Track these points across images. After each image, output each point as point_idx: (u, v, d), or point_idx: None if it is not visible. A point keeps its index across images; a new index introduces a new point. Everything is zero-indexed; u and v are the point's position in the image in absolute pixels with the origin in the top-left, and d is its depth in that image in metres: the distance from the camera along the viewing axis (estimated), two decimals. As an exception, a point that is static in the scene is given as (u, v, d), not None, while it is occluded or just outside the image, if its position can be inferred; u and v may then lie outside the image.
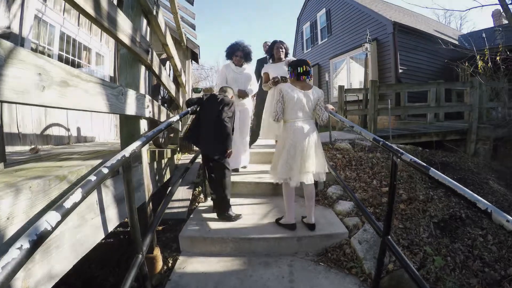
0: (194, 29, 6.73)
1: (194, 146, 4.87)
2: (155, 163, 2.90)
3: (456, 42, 11.91)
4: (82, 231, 1.37)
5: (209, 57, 65.18)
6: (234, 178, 3.77)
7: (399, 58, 9.76)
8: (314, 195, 2.89)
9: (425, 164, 1.47)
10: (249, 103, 4.15)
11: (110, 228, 1.62)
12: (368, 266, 2.42)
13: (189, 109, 2.95)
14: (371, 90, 5.97)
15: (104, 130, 5.46)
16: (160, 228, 3.16)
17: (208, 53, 52.23)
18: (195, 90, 7.27)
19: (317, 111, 2.83)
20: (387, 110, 5.88)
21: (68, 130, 4.46)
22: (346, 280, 2.31)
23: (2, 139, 1.53)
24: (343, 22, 12.74)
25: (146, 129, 2.36)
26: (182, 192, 3.56)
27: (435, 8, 15.34)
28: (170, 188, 2.72)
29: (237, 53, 3.93)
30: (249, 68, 4.17)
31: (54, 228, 0.87)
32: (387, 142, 1.78)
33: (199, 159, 3.65)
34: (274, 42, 4.07)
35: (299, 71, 2.77)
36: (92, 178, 1.04)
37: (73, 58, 4.77)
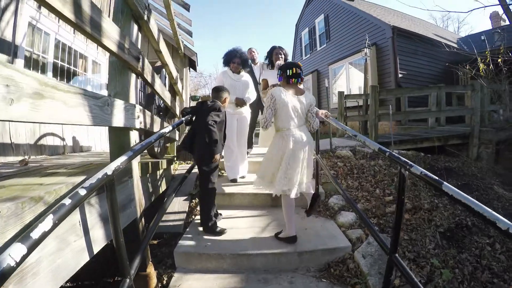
0: (191, 36, 6.66)
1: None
2: (148, 175, 2.78)
3: (455, 45, 11.86)
4: (62, 256, 1.25)
5: (209, 64, 65.43)
6: (232, 189, 3.67)
7: (398, 63, 9.70)
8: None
9: (437, 178, 1.35)
10: (247, 111, 4.04)
11: (96, 250, 1.50)
12: (373, 282, 2.28)
13: (183, 118, 2.85)
14: (371, 95, 5.88)
15: (101, 139, 5.36)
16: (155, 242, 3.04)
17: (207, 60, 52.42)
18: (193, 98, 7.19)
19: (308, 118, 2.72)
20: (388, 115, 5.79)
21: (63, 139, 4.36)
22: (350, 298, 2.19)
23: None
24: (342, 28, 12.71)
25: (137, 141, 2.25)
26: (178, 204, 3.44)
27: (437, 11, 15.35)
28: (165, 200, 2.61)
29: (235, 60, 3.82)
30: (247, 75, 4.07)
31: (19, 264, 0.75)
32: (394, 153, 1.67)
33: (196, 169, 3.54)
34: (273, 48, 3.99)
35: (288, 74, 2.65)
36: (67, 201, 0.92)
37: (68, 66, 4.69)
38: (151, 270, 2.32)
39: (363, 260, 2.52)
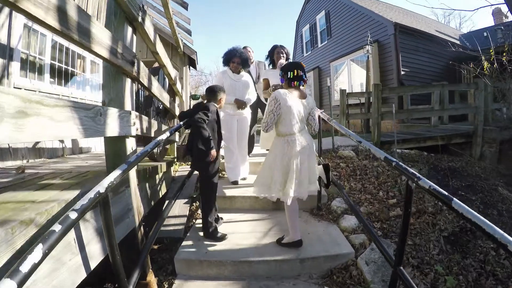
0: (190, 35, 6.59)
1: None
2: (147, 181, 2.72)
3: (458, 42, 11.74)
4: (58, 276, 1.21)
5: (209, 61, 65.22)
6: (233, 192, 3.62)
7: (401, 60, 9.59)
8: None
9: (446, 194, 1.29)
10: (247, 112, 3.97)
11: (93, 265, 1.45)
12: (377, 290, 2.24)
13: (181, 123, 2.78)
14: (374, 93, 5.80)
15: (101, 140, 5.30)
16: (155, 247, 3.00)
17: (207, 57, 52.11)
18: (193, 97, 7.11)
19: (309, 121, 2.65)
20: (391, 113, 5.71)
21: (62, 141, 4.31)
22: (353, 307, 2.15)
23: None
24: (343, 24, 12.58)
25: (134, 147, 2.18)
26: (179, 208, 3.39)
27: (442, 8, 15.10)
28: (164, 206, 2.55)
29: (234, 59, 3.73)
30: (247, 75, 3.99)
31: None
32: (401, 163, 1.61)
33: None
34: (274, 47, 3.90)
35: (289, 76, 2.53)
36: (57, 227, 0.87)
37: (66, 67, 4.63)
38: (151, 278, 2.28)
39: (366, 267, 2.47)
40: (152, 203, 2.91)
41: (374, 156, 4.81)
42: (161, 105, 4.09)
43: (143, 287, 2.18)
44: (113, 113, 1.80)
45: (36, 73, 3.90)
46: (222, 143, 3.17)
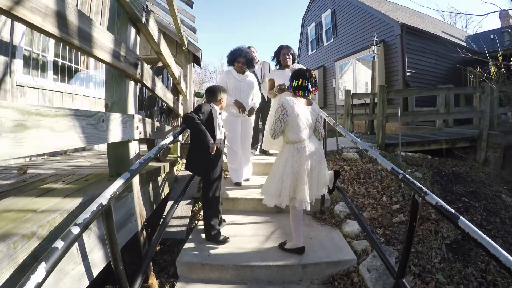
0: (195, 33, 6.54)
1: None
2: (150, 183, 2.71)
3: (464, 44, 11.62)
4: (61, 287, 1.19)
5: (214, 58, 65.02)
6: (235, 193, 3.60)
7: (406, 61, 9.50)
8: None
9: (453, 211, 1.27)
10: None
11: (96, 273, 1.44)
12: (378, 299, 2.23)
13: (184, 125, 2.75)
14: (379, 96, 5.76)
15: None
16: (157, 248, 2.99)
17: (212, 54, 51.91)
18: (197, 95, 7.08)
19: (317, 127, 2.61)
20: (395, 116, 5.67)
21: (65, 138, 4.30)
22: (354, 315, 2.14)
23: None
24: (349, 23, 12.48)
25: (138, 151, 2.16)
26: (181, 209, 3.38)
27: (452, 12, 14.89)
28: (166, 213, 2.54)
29: (239, 59, 3.67)
30: (252, 75, 3.95)
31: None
32: (408, 176, 1.58)
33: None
34: (281, 48, 3.85)
35: (294, 84, 2.51)
36: (59, 244, 0.86)
37: (69, 63, 4.61)
38: (153, 281, 2.28)
39: (368, 274, 2.46)
40: (155, 206, 2.89)
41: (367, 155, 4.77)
42: (165, 105, 4.06)
43: (145, 290, 2.18)
44: (115, 118, 1.78)
45: (39, 70, 3.88)
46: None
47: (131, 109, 2.09)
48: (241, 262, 2.50)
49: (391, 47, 10.00)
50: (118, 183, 1.26)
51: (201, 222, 3.16)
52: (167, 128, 3.66)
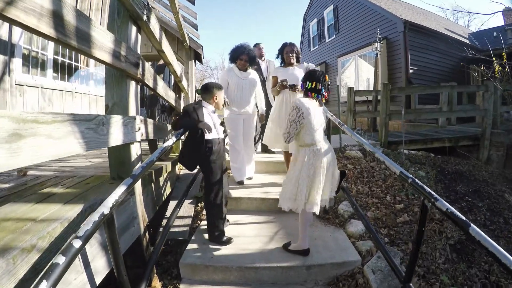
0: (197, 29, 6.48)
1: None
2: (152, 184, 2.67)
3: (467, 41, 11.52)
4: (64, 298, 1.16)
5: (215, 54, 64.75)
6: (239, 193, 3.57)
7: (409, 58, 9.43)
8: None
9: (464, 218, 1.24)
10: (253, 111, 3.89)
11: (98, 281, 1.40)
12: (383, 301, 2.21)
13: (181, 130, 2.71)
14: (382, 93, 5.71)
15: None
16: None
17: (213, 50, 51.69)
18: (199, 91, 7.01)
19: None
20: (399, 114, 5.63)
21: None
22: (359, 317, 2.12)
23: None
24: (351, 20, 12.38)
25: (139, 153, 2.12)
26: (184, 209, 3.34)
27: (459, 11, 14.69)
28: (169, 212, 2.50)
29: (242, 56, 3.61)
30: (254, 72, 3.89)
31: None
32: (417, 181, 1.55)
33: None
34: (284, 45, 3.78)
35: (307, 86, 2.46)
36: (60, 259, 0.82)
37: (69, 61, 4.57)
38: (156, 283, 2.26)
39: (372, 275, 2.44)
40: (157, 207, 2.86)
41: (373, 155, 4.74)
42: (167, 103, 4.02)
43: (148, 292, 2.15)
44: (116, 120, 1.73)
45: (39, 68, 3.84)
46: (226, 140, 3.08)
47: (132, 110, 2.05)
48: (245, 263, 2.47)
49: (394, 44, 9.92)
50: (120, 190, 1.21)
51: (204, 222, 3.13)
52: (169, 127, 3.62)
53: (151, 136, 2.57)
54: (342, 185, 2.90)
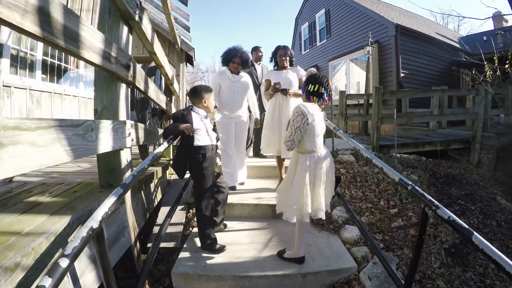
0: (189, 31, 6.41)
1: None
2: (142, 191, 2.58)
3: (457, 45, 11.72)
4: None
5: (206, 57, 64.58)
6: (231, 198, 3.49)
7: (401, 62, 9.51)
8: None
9: (466, 227, 1.21)
10: (245, 115, 3.83)
11: (88, 295, 1.33)
12: (380, 308, 2.18)
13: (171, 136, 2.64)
14: (374, 97, 5.72)
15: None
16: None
17: (204, 52, 51.44)
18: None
19: None
20: (390, 117, 5.65)
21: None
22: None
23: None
24: (343, 23, 12.45)
25: (130, 159, 2.05)
26: (175, 215, 3.24)
27: (453, 15, 14.98)
28: (160, 227, 2.42)
29: (235, 59, 3.54)
30: (246, 75, 3.82)
31: None
32: (417, 188, 1.52)
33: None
34: (278, 48, 3.74)
35: (309, 89, 2.36)
36: (47, 282, 0.76)
37: (59, 62, 4.45)
38: (147, 293, 2.18)
39: (369, 282, 2.41)
40: (147, 214, 2.77)
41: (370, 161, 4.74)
42: (158, 106, 3.94)
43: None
44: (106, 126, 1.65)
45: (27, 69, 3.72)
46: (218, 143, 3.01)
47: (122, 114, 1.96)
48: (239, 272, 2.41)
49: (385, 47, 10.01)
50: (109, 202, 1.14)
51: (196, 229, 3.05)
52: (160, 131, 3.53)
53: (141, 141, 2.48)
54: (338, 190, 2.86)
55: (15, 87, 3.39)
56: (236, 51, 3.55)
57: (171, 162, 4.54)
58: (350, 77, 11.90)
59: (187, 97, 7.33)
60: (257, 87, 4.58)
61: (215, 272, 2.40)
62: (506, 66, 5.13)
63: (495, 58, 5.09)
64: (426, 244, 2.97)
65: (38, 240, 1.11)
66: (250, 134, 4.42)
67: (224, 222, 3.17)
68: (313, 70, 3.62)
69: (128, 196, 1.93)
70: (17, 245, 1.07)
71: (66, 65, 4.68)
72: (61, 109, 4.48)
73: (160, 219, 3.16)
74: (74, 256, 0.88)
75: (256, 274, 2.41)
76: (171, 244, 2.87)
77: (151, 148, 4.09)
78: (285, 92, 3.38)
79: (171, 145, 4.58)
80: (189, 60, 7.44)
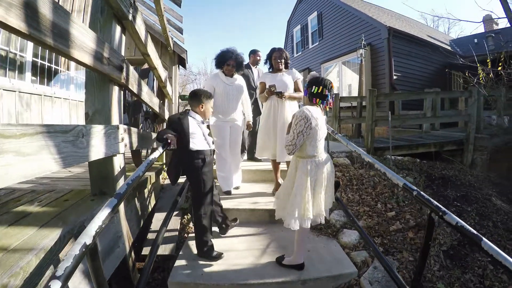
0: (182, 33, 6.32)
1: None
2: (136, 198, 2.49)
3: (449, 48, 11.87)
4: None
5: (197, 60, 64.43)
6: (226, 203, 3.42)
7: (393, 64, 9.59)
8: None
9: (475, 233, 1.17)
10: (240, 119, 3.76)
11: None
12: (382, 314, 2.13)
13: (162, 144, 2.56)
14: (368, 99, 5.72)
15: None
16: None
17: (196, 55, 51.27)
18: (182, 97, 6.85)
19: None
20: (384, 120, 5.66)
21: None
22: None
23: None
24: (335, 26, 12.51)
25: (123, 165, 1.96)
26: (170, 222, 3.18)
27: (449, 18, 15.15)
28: (156, 236, 2.34)
29: (229, 62, 3.47)
30: (241, 78, 3.75)
31: None
32: (423, 193, 1.48)
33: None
34: (273, 51, 3.69)
35: (313, 91, 2.28)
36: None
37: (49, 64, 4.33)
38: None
39: (370, 287, 2.37)
40: (142, 221, 2.68)
41: (370, 164, 4.72)
42: (151, 110, 3.85)
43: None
44: (97, 131, 1.56)
45: (17, 71, 3.60)
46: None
47: (115, 118, 1.87)
48: (238, 280, 2.33)
49: (378, 50, 10.08)
50: (103, 214, 1.06)
51: (192, 235, 2.97)
52: (154, 135, 3.45)
53: (135, 146, 2.39)
54: (336, 195, 2.82)
55: (4, 89, 3.28)
56: (230, 53, 3.48)
57: (165, 166, 4.46)
58: (342, 79, 11.95)
59: (179, 100, 7.26)
60: (253, 90, 4.54)
61: (212, 280, 2.33)
62: (499, 68, 5.17)
63: (488, 60, 5.14)
64: (425, 247, 2.95)
65: (27, 258, 1.02)
66: (245, 138, 4.36)
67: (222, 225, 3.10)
68: (315, 73, 3.57)
69: (121, 204, 1.85)
70: (4, 264, 0.99)
71: (57, 67, 4.56)
72: (52, 112, 4.36)
73: (154, 225, 3.07)
74: (67, 278, 0.80)
75: (255, 282, 2.34)
76: (166, 252, 2.79)
77: (144, 152, 4.00)
78: (280, 95, 3.34)
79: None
80: (182, 62, 7.35)
